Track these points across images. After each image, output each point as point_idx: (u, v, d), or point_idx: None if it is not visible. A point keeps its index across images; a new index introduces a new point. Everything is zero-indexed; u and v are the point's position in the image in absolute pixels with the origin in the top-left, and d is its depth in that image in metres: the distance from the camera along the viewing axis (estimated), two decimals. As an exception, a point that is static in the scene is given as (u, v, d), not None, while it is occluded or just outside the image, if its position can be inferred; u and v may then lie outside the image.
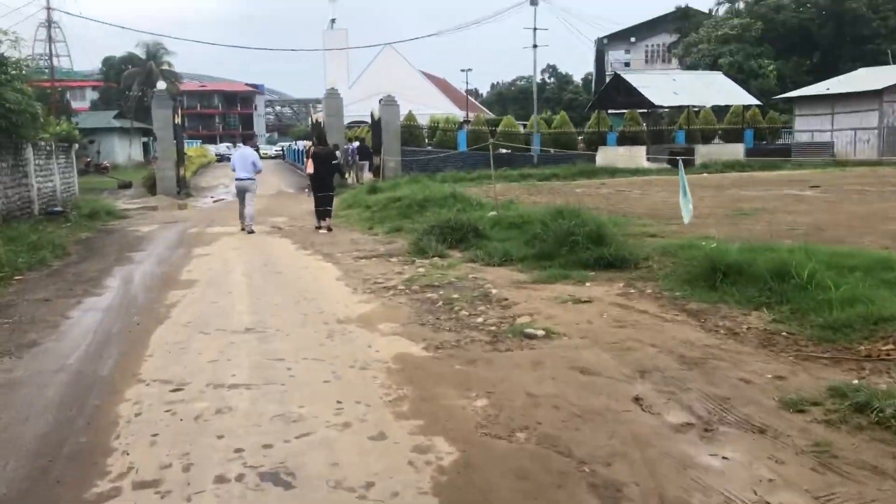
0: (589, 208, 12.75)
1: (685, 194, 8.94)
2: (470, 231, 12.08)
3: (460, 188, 21.80)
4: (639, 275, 8.99)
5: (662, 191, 20.59)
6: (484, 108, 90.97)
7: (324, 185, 15.92)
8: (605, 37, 62.32)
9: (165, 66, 72.14)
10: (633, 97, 30.56)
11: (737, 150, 31.70)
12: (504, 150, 31.68)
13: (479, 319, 7.23)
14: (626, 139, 34.03)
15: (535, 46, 34.50)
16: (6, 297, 9.23)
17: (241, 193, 15.71)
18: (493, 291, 8.36)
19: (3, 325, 7.67)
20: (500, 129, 34.34)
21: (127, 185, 35.21)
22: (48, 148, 20.07)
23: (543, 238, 10.81)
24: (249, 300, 8.63)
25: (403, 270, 10.27)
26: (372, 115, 31.28)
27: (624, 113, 36.76)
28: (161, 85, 28.76)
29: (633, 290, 8.21)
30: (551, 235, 10.44)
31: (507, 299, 7.95)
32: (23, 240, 12.21)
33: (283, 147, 72.60)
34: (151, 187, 28.91)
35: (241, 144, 17.82)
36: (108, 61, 72.43)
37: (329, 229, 15.49)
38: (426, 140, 32.51)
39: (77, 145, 48.85)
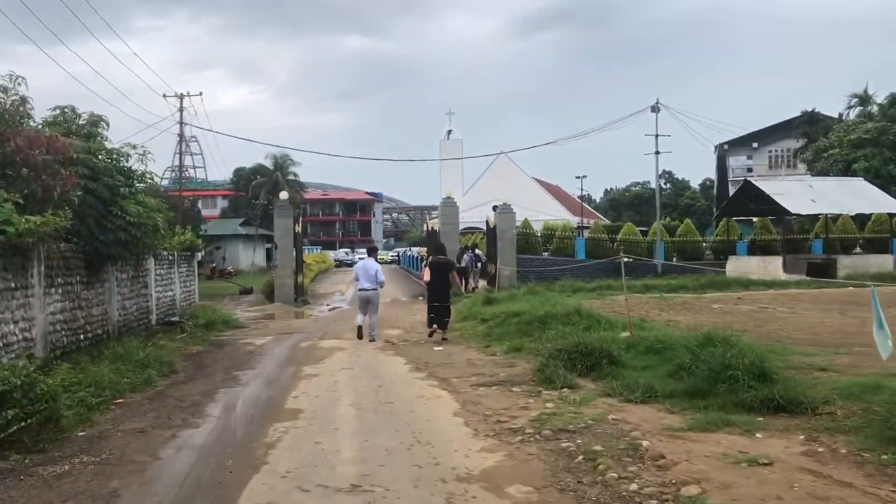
0: (736, 331, 11.13)
1: (881, 325, 7.30)
2: (603, 357, 10.67)
3: (580, 300, 20.47)
4: (820, 424, 7.31)
5: (812, 308, 18.49)
6: (598, 214, 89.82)
7: (440, 295, 15.79)
8: (725, 142, 60.39)
9: (291, 176, 75.30)
10: (764, 204, 28.63)
11: (884, 262, 28.91)
12: (626, 259, 30.14)
13: (633, 486, 5.79)
14: (756, 248, 31.83)
15: (657, 153, 33.29)
16: (101, 425, 8.49)
17: (365, 304, 15.71)
18: (644, 443, 6.90)
19: (88, 467, 6.83)
20: (620, 236, 32.93)
21: (248, 291, 35.69)
22: (170, 257, 20.20)
23: (691, 369, 9.31)
24: (357, 442, 7.49)
25: (529, 405, 8.95)
26: (487, 223, 30.62)
27: (752, 221, 34.63)
28: (283, 195, 29.20)
29: (820, 448, 6.56)
30: (703, 368, 8.91)
31: (663, 456, 6.47)
32: (131, 357, 11.69)
33: (398, 253, 73.41)
34: (270, 294, 28.96)
35: (365, 255, 17.74)
36: (238, 171, 76.20)
37: (444, 339, 15.28)
38: (542, 248, 31.44)
39: (201, 253, 50.76)
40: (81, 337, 12.57)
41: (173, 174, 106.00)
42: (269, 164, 71.73)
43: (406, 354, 13.96)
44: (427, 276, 15.93)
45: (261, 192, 67.23)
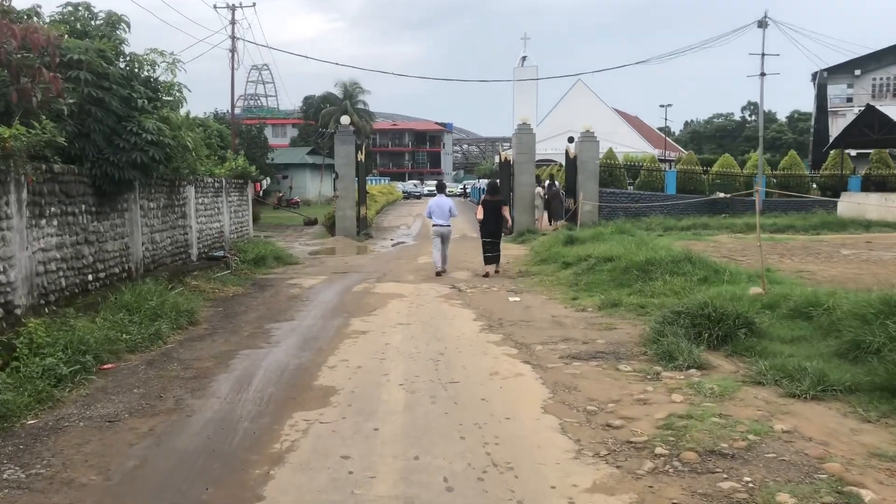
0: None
1: None
2: (740, 325, 7.90)
3: (674, 240, 17.51)
4: None
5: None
6: (678, 147, 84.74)
7: (491, 232, 15.76)
8: (824, 69, 54.78)
9: (360, 105, 72.85)
10: (891, 133, 24.63)
11: None
12: (722, 195, 26.75)
13: None
14: (870, 184, 27.90)
15: (762, 74, 29.27)
16: (65, 406, 6.26)
17: (440, 238, 15.91)
18: (854, 490, 4.22)
19: (9, 489, 4.55)
20: (715, 168, 29.37)
21: (313, 223, 33.78)
22: (216, 185, 17.99)
23: (879, 350, 6.51)
24: (403, 461, 5.01)
25: (648, 396, 6.32)
26: (567, 153, 27.53)
27: (868, 154, 30.50)
28: (345, 120, 26.63)
29: None
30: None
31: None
32: (141, 305, 9.48)
33: (465, 185, 70.61)
34: (331, 227, 26.81)
35: (432, 189, 17.62)
36: (307, 100, 74.10)
37: (497, 271, 15.57)
38: (626, 181, 28.25)
39: (267, 182, 49.06)
40: (90, 278, 10.42)
41: (245, 103, 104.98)
42: (338, 92, 69.39)
43: (475, 306, 11.43)
44: (480, 214, 16.01)
45: (329, 120, 64.88)
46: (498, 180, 24.71)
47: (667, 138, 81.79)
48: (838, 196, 27.36)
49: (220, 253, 16.72)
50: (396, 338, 9.02)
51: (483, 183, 55.75)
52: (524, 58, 73.22)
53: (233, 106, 34.92)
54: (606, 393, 6.49)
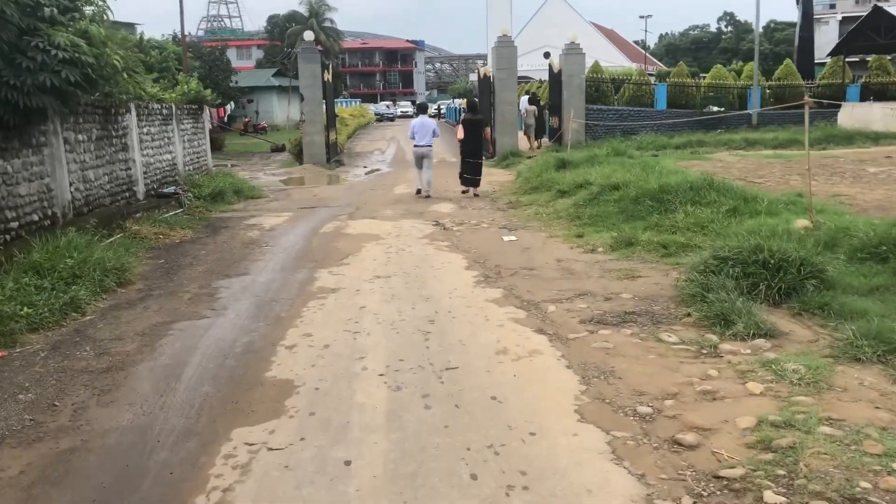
0: None
1: None
2: (807, 274, 6.20)
3: (670, 159, 15.74)
4: None
5: None
6: (655, 61, 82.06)
7: (472, 152, 15.35)
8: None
9: (327, 23, 69.14)
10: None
11: None
12: (716, 109, 24.89)
13: None
14: (869, 94, 26.09)
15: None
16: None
17: (420, 160, 15.44)
18: None
19: None
20: (707, 80, 27.31)
21: (280, 149, 31.54)
22: (165, 112, 15.76)
23: None
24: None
25: (715, 386, 4.62)
26: (550, 67, 25.32)
27: (865, 61, 28.58)
28: (308, 35, 24.06)
29: None
30: None
31: None
32: (58, 261, 7.55)
33: (439, 105, 67.90)
34: (299, 154, 24.58)
35: (418, 113, 16.92)
36: (272, 19, 70.29)
37: (476, 195, 15.12)
38: (614, 97, 26.18)
39: (231, 107, 46.24)
40: (-6, 231, 8.46)
41: (209, 25, 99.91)
42: (303, 10, 65.57)
43: (465, 248, 9.63)
44: (461, 133, 15.53)
45: (296, 40, 61.34)
46: (476, 98, 22.66)
47: (646, 53, 79.07)
48: (835, 106, 25.57)
49: (172, 189, 14.65)
50: (374, 298, 7.22)
51: (458, 103, 53.24)
52: (496, -31, 69.52)
53: (182, 19, 31.85)
54: (657, 381, 4.78)
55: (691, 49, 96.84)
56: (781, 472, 3.48)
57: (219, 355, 5.65)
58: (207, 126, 20.16)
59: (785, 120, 24.73)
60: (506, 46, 23.79)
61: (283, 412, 4.56)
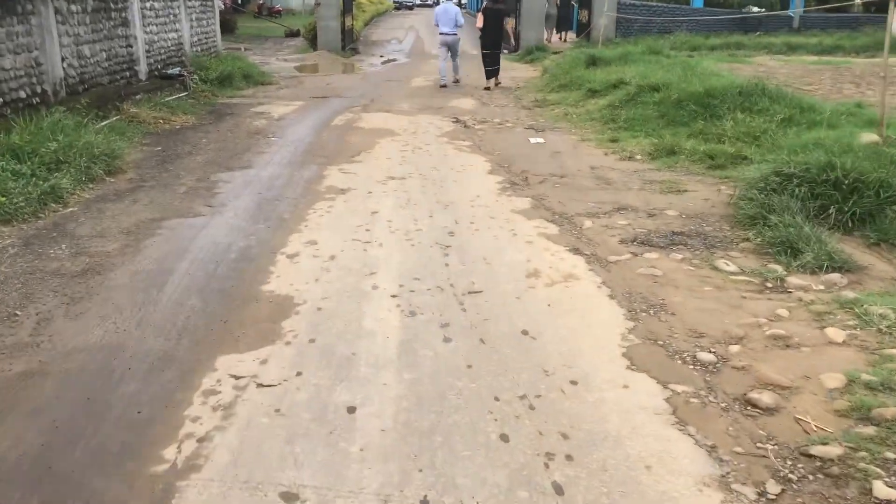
0: None
1: None
2: (887, 198, 5.34)
3: (708, 61, 14.52)
4: None
5: None
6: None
7: (491, 42, 14.59)
8: None
9: None
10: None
11: None
12: (756, 10, 23.24)
13: None
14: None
15: None
16: None
17: (446, 47, 14.83)
18: None
19: None
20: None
21: (295, 34, 30.01)
22: (169, -14, 14.54)
23: None
24: (399, 496, 2.63)
25: (787, 329, 3.87)
26: (582, -43, 23.54)
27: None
28: (326, -90, 22.25)
29: None
30: None
31: None
32: (40, 145, 6.75)
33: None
34: (313, 40, 23.23)
35: (446, 1, 16.57)
36: None
37: (498, 84, 14.76)
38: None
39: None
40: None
41: None
42: None
43: (488, 149, 8.74)
44: (480, 22, 14.58)
45: (313, -81, 58.16)
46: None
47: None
48: (884, 11, 23.81)
49: (176, 70, 13.61)
50: (387, 202, 6.42)
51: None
52: None
53: None
54: (717, 319, 4.04)
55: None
56: (892, 454, 2.76)
57: (211, 262, 4.93)
58: (218, 5, 18.79)
59: (829, 24, 23.08)
60: (536, -70, 21.95)
61: (278, 337, 3.86)
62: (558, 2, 23.84)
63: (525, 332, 3.90)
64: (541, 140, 9.20)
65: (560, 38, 24.80)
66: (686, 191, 6.63)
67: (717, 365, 3.56)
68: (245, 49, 25.11)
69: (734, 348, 3.72)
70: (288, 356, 3.65)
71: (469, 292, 4.43)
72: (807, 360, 3.56)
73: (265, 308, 4.22)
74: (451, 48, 14.75)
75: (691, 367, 3.56)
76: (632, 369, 3.53)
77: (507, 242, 5.36)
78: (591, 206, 6.22)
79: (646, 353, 3.69)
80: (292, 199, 6.48)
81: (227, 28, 31.58)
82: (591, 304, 4.28)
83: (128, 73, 12.14)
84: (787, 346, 3.73)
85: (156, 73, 13.32)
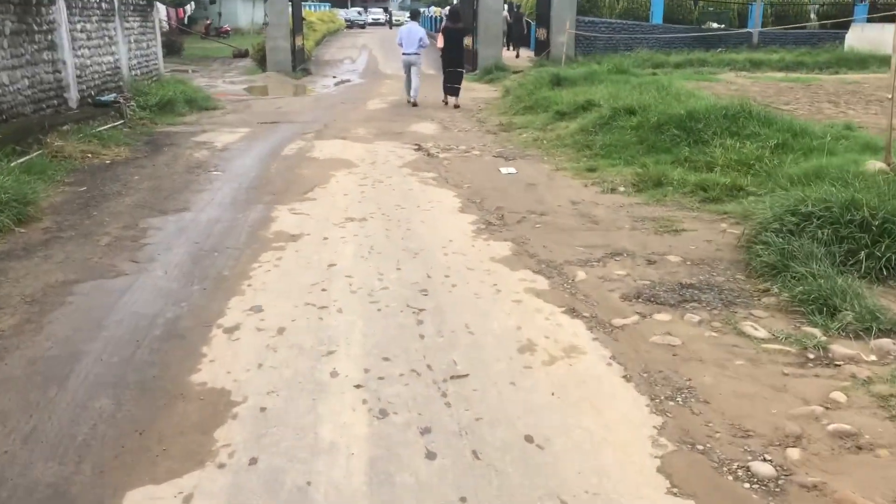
0: None
1: None
2: (924, 242, 4.66)
3: (673, 79, 13.99)
4: None
5: None
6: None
7: (453, 61, 14.79)
8: None
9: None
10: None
11: None
12: (716, 26, 22.96)
13: None
14: (876, 13, 24.27)
15: None
16: None
17: (408, 67, 14.87)
18: None
19: None
20: (705, -5, 25.20)
21: (243, 54, 28.95)
22: (105, 6, 13.47)
23: None
24: None
25: (853, 424, 3.09)
26: (539, -27, 23.03)
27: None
28: (273, -74, 21.37)
29: None
30: None
31: None
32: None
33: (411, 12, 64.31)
34: (262, 61, 22.27)
35: (408, 20, 17.04)
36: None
37: (457, 106, 14.48)
38: (607, 9, 24.00)
39: (191, 6, 42.87)
40: None
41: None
42: None
43: (456, 180, 7.93)
44: (441, 42, 14.91)
45: (262, -63, 57.09)
46: (456, 2, 20.49)
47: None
48: (840, 27, 23.80)
49: (112, 97, 12.55)
50: (346, 250, 5.53)
51: (433, 11, 50.13)
52: None
53: None
54: (760, 408, 3.26)
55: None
56: None
57: (130, 341, 3.99)
58: (162, 26, 17.71)
59: (787, 40, 22.94)
60: (491, -53, 21.37)
61: (209, 455, 2.95)
62: (510, 17, 23.33)
63: (529, 439, 3.06)
64: (512, 170, 8.42)
65: (514, 54, 24.29)
66: (684, 230, 5.89)
67: (780, 482, 2.76)
68: (192, 71, 24.06)
69: (794, 453, 2.93)
70: (220, 488, 2.75)
71: (452, 377, 3.58)
72: (890, 471, 2.78)
73: (194, 409, 3.30)
74: (413, 67, 14.70)
75: (747, 485, 2.76)
76: (674, 494, 2.71)
77: (490, 303, 4.52)
78: (581, 252, 5.43)
79: (685, 465, 2.88)
80: (234, 250, 5.56)
81: (173, 49, 30.41)
82: (604, 391, 3.46)
83: (56, 102, 11.06)
84: (859, 447, 2.96)
85: (89, 100, 12.25)
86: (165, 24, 32.80)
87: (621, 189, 7.33)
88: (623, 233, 5.89)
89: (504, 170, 8.44)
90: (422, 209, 6.77)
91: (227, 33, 41.43)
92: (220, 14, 46.53)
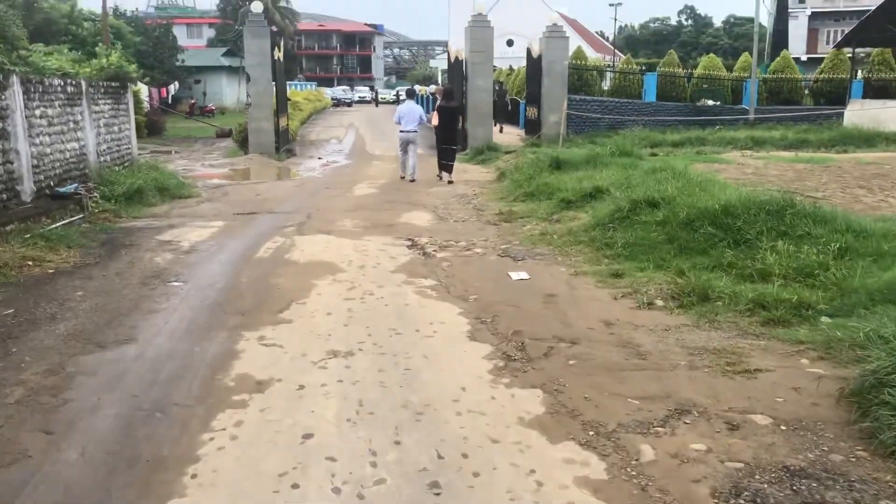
0: None
1: None
2: None
3: (677, 160, 13.02)
4: None
5: None
6: (617, 52, 79.83)
7: (448, 138, 15.03)
8: (779, -34, 50.14)
9: (283, 3, 65.46)
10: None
11: None
12: (711, 103, 22.28)
13: None
14: (869, 91, 23.68)
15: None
16: None
17: (405, 145, 14.98)
18: None
19: None
20: (699, 70, 24.60)
21: (226, 134, 28.15)
22: (70, 89, 12.35)
23: None
24: None
25: None
26: (529, 52, 22.37)
27: (864, 55, 26.28)
28: (256, 7, 20.62)
29: None
30: None
31: None
32: None
33: (398, 91, 64.66)
34: (244, 142, 21.23)
35: (406, 99, 16.26)
36: (224, -3, 65.96)
37: (451, 182, 14.53)
38: (599, 87, 23.36)
39: (175, 88, 42.32)
40: None
41: (160, 1, 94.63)
42: (257, -13, 61.34)
43: (460, 290, 6.65)
44: (436, 120, 15.10)
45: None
46: (449, 85, 19.70)
47: (607, 43, 76.74)
48: (834, 104, 23.21)
49: (72, 188, 11.31)
50: (327, 412, 4.17)
51: (419, 89, 49.83)
52: (461, -49, 66.34)
53: (105, 7, 27.77)
54: None
55: (651, 42, 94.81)
56: None
57: None
58: (132, 108, 16.61)
59: (783, 117, 22.26)
60: (481, 26, 20.77)
61: None
62: (495, 94, 22.59)
63: None
64: (524, 275, 7.15)
65: (498, 129, 23.48)
66: (758, 370, 4.59)
67: None
68: (175, 152, 23.05)
69: None
70: None
71: None
72: None
73: None
74: (411, 144, 14.85)
75: None
76: None
77: (531, 508, 3.17)
78: (637, 407, 4.11)
79: None
80: (183, 408, 4.19)
81: (155, 130, 29.52)
82: None
83: (5, 196, 9.82)
84: None
85: (47, 191, 11.01)
86: (147, 104, 32.05)
87: (659, 303, 6.07)
88: (681, 374, 4.59)
89: (514, 275, 7.17)
90: (423, 335, 5.45)
91: (212, 112, 40.84)
92: (204, 94, 46.10)
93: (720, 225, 7.22)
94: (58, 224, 9.61)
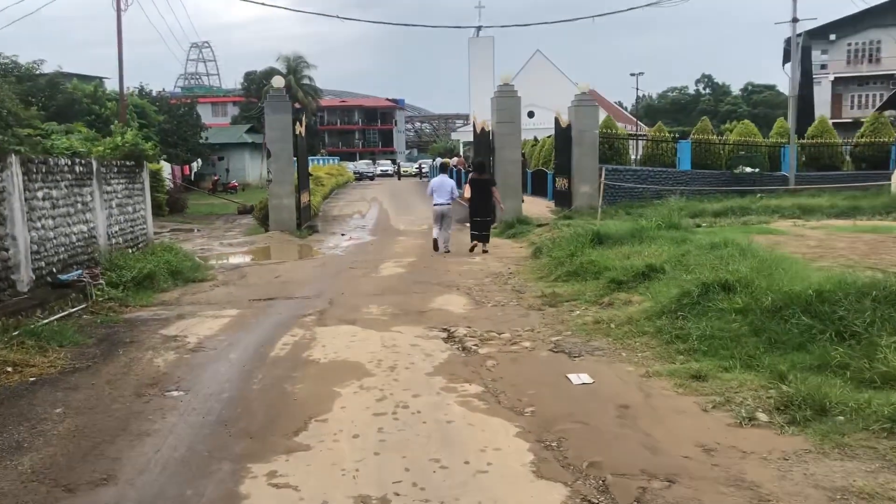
0: None
1: None
2: None
3: (728, 232, 11.89)
4: None
5: None
6: (635, 121, 79.80)
7: (481, 211, 14.90)
8: (799, 34, 49.74)
9: (306, 81, 66.50)
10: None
11: None
12: (749, 170, 21.26)
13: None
14: (912, 154, 22.72)
15: (794, 20, 23.79)
16: None
17: (439, 218, 14.93)
18: None
19: None
20: (733, 137, 23.71)
21: (248, 210, 27.49)
22: (79, 169, 11.59)
23: None
24: None
25: None
26: (557, 121, 21.62)
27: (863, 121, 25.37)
28: (278, 82, 20.14)
29: None
30: None
31: None
32: None
33: (420, 164, 64.61)
34: (264, 219, 20.44)
35: (441, 174, 15.94)
36: (248, 76, 67.25)
37: (485, 251, 14.50)
38: (630, 156, 22.50)
39: (198, 164, 42.25)
40: None
41: (186, 81, 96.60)
42: (281, 66, 62.48)
43: (512, 401, 5.48)
44: (468, 193, 15.08)
45: (272, 96, 57.97)
46: (480, 158, 18.91)
47: (626, 112, 76.77)
48: (877, 168, 22.13)
49: (75, 275, 10.39)
50: None
51: (439, 161, 49.58)
52: (479, 28, 67.19)
53: (121, 61, 27.61)
54: None
55: (670, 110, 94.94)
56: None
57: None
58: (148, 187, 15.88)
59: (824, 182, 21.16)
60: (508, 96, 20.09)
61: None
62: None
63: None
64: (587, 378, 5.98)
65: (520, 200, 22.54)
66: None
67: None
68: (196, 230, 22.38)
69: None
70: None
71: None
72: None
73: None
74: (445, 217, 14.82)
75: None
76: None
77: None
78: None
79: None
80: None
81: (177, 207, 29.03)
82: None
83: (3, 283, 8.89)
84: None
85: (48, 278, 10.09)
86: (169, 182, 31.72)
87: (763, 418, 4.86)
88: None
89: (575, 378, 6.00)
90: (475, 470, 4.28)
91: (235, 189, 40.54)
92: (227, 170, 46.04)
93: (815, 314, 6.04)
94: (54, 317, 8.65)
